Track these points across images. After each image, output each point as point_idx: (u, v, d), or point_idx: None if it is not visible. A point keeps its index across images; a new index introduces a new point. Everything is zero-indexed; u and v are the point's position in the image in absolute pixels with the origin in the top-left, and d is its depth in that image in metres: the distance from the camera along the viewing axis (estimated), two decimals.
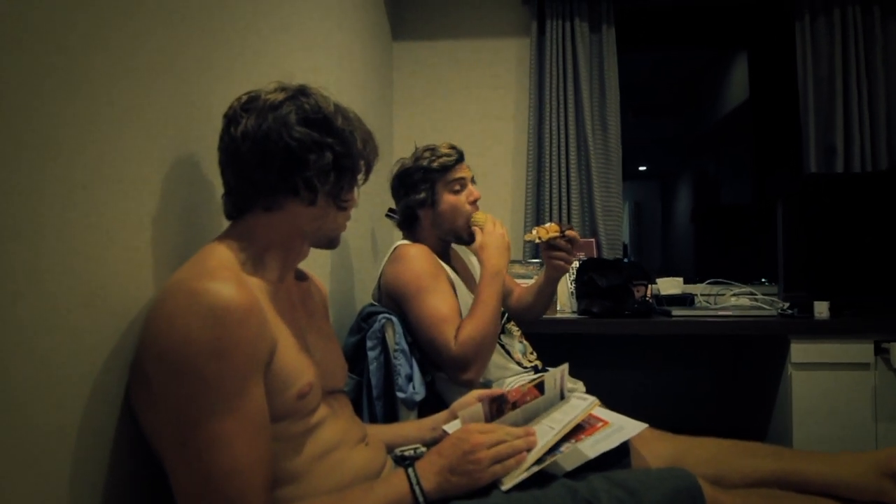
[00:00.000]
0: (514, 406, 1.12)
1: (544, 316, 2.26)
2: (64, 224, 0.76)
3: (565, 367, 1.19)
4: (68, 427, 0.77)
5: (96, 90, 0.83)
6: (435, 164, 1.74)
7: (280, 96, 0.96)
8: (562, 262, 1.78)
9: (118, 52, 0.88)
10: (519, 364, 1.79)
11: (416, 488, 0.93)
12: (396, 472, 0.97)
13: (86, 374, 0.81)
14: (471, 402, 1.20)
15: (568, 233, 1.75)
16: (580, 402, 1.13)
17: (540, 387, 1.15)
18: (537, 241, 1.74)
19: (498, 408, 1.12)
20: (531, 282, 2.08)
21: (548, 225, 1.76)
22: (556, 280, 1.89)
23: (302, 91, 0.99)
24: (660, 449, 1.28)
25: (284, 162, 0.94)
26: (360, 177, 1.05)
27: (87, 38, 0.81)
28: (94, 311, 0.82)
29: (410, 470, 0.95)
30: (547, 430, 1.06)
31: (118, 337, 0.87)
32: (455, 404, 1.24)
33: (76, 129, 0.79)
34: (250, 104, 0.96)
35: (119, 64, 0.88)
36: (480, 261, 1.67)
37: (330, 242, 1.07)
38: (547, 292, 1.94)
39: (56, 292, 0.75)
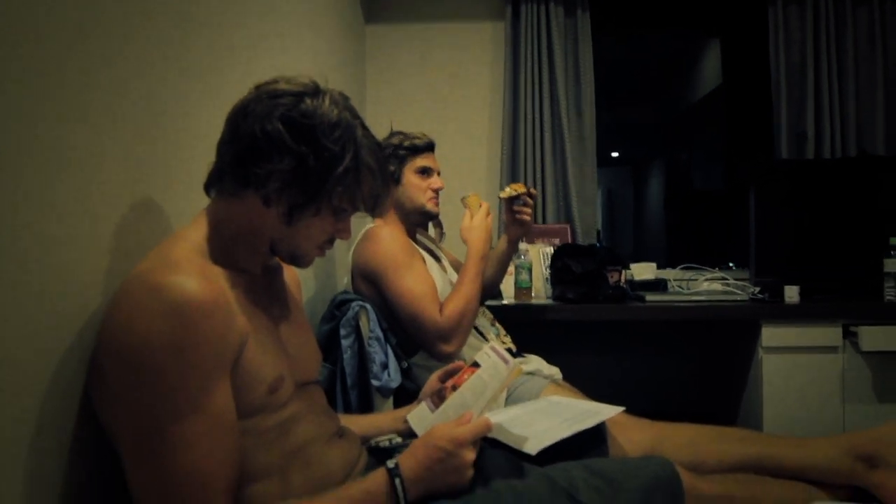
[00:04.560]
0: (455, 389, 1.13)
1: (518, 302, 2.26)
2: (20, 214, 0.72)
3: (492, 344, 1.20)
4: (24, 423, 0.74)
5: (63, 83, 0.78)
6: (406, 144, 1.80)
7: (290, 88, 0.92)
8: (527, 217, 1.91)
9: (92, 47, 0.83)
10: None
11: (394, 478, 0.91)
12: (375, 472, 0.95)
13: (42, 368, 0.77)
14: (434, 385, 1.22)
15: (531, 191, 1.93)
16: (504, 370, 1.11)
17: (476, 366, 1.15)
18: (513, 194, 1.88)
19: (440, 397, 1.15)
20: None
21: (514, 184, 1.95)
22: (517, 242, 2.01)
23: (314, 92, 0.93)
24: (637, 436, 1.28)
25: (244, 147, 0.90)
26: (336, 206, 0.94)
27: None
28: (52, 304, 0.78)
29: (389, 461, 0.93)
30: (478, 410, 1.07)
31: (77, 331, 0.83)
32: (422, 393, 1.25)
33: (29, 116, 0.74)
34: (268, 85, 0.93)
35: (92, 57, 0.83)
36: (467, 241, 1.74)
37: (292, 259, 0.99)
38: (508, 259, 2.04)
39: (11, 284, 0.71)
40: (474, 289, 1.66)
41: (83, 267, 0.84)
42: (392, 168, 1.77)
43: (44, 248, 0.76)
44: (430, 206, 1.83)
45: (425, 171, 1.82)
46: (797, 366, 2.08)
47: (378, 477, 0.91)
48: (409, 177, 1.80)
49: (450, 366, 1.22)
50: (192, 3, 1.18)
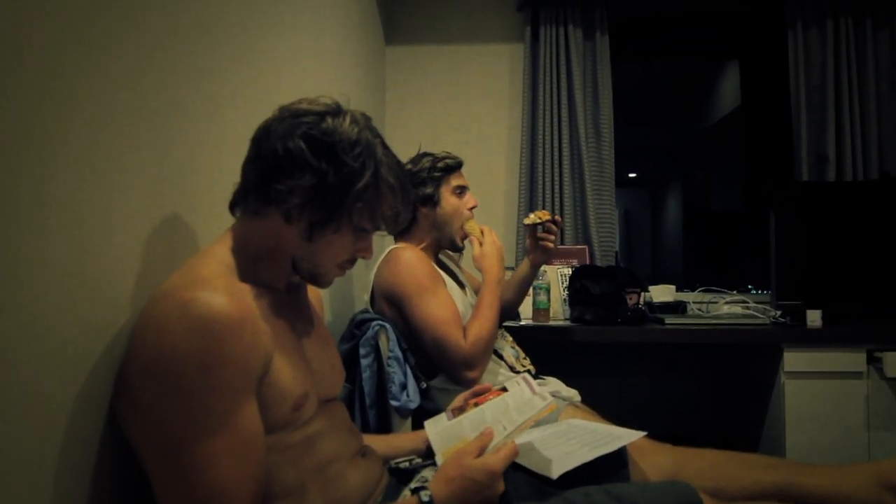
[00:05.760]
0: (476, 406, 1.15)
1: (536, 323, 2.25)
2: (48, 228, 0.73)
3: (526, 375, 1.22)
4: (51, 437, 0.74)
5: (89, 89, 0.80)
6: (440, 165, 1.81)
7: (312, 108, 0.94)
8: (551, 244, 1.91)
9: (112, 54, 0.85)
10: (511, 368, 1.79)
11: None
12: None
13: (70, 384, 0.78)
14: (460, 402, 1.23)
15: (556, 218, 1.93)
16: (539, 402, 1.12)
17: (504, 390, 1.17)
18: (538, 221, 1.90)
19: (461, 411, 1.16)
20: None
21: (539, 211, 1.95)
22: (539, 267, 2.00)
23: (335, 112, 0.95)
24: (658, 461, 1.26)
25: (267, 165, 0.91)
26: (356, 223, 0.95)
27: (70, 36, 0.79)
28: (80, 319, 0.79)
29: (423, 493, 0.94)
30: (501, 430, 1.07)
31: (104, 346, 0.84)
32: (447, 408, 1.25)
33: (60, 128, 0.76)
34: (292, 105, 0.95)
35: (113, 65, 0.85)
36: (482, 269, 1.75)
37: (312, 278, 1.00)
38: (529, 283, 2.03)
39: (40, 299, 0.72)
40: (493, 315, 1.66)
41: (111, 282, 0.86)
42: (429, 191, 1.78)
43: (72, 263, 0.78)
44: (459, 240, 1.84)
45: (461, 190, 1.84)
46: (820, 391, 2.05)
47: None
48: (448, 198, 1.81)
49: (478, 387, 1.23)
50: (218, 27, 1.20)
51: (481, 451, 0.99)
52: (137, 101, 0.92)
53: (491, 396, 1.15)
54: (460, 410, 1.17)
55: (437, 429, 1.16)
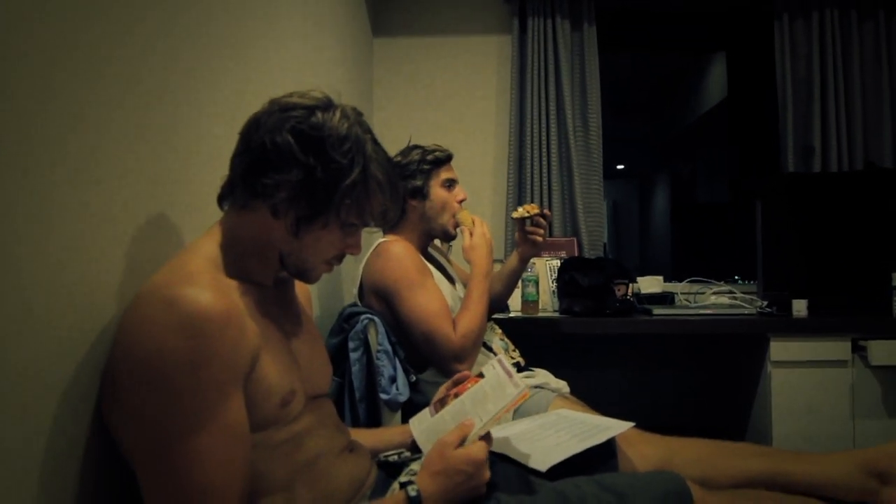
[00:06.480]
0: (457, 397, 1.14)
1: (525, 315, 2.26)
2: (32, 224, 0.72)
3: (500, 357, 1.20)
4: (36, 437, 0.74)
5: (78, 87, 0.79)
6: (430, 158, 1.80)
7: (302, 101, 0.93)
8: (540, 238, 1.90)
9: (109, 54, 0.84)
10: None
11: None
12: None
13: (55, 382, 0.77)
14: (442, 394, 1.23)
15: (545, 212, 1.92)
16: (512, 390, 1.09)
17: (481, 377, 1.16)
18: (526, 215, 1.89)
19: (443, 404, 1.16)
20: None
21: (527, 205, 1.93)
22: (528, 260, 1.99)
23: (325, 106, 0.94)
24: (647, 451, 1.27)
25: (255, 158, 0.91)
26: (344, 219, 0.94)
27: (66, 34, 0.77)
28: (65, 316, 0.78)
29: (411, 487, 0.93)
30: (479, 420, 1.06)
31: (90, 343, 0.83)
32: (431, 402, 1.25)
33: (48, 127, 0.75)
34: (282, 98, 0.94)
35: (104, 62, 0.84)
36: (471, 261, 1.74)
37: (299, 273, 0.99)
38: (517, 276, 2.02)
39: (23, 296, 0.71)
40: (482, 307, 1.66)
41: (98, 278, 0.85)
42: (419, 183, 1.77)
43: (59, 260, 0.77)
44: (451, 229, 1.83)
45: (450, 184, 1.83)
46: (806, 380, 2.07)
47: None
48: (437, 191, 1.80)
49: (457, 376, 1.23)
50: (210, 25, 1.19)
51: (461, 441, 0.99)
52: (127, 103, 0.91)
53: (469, 384, 1.15)
54: (442, 403, 1.17)
55: (422, 427, 1.16)
